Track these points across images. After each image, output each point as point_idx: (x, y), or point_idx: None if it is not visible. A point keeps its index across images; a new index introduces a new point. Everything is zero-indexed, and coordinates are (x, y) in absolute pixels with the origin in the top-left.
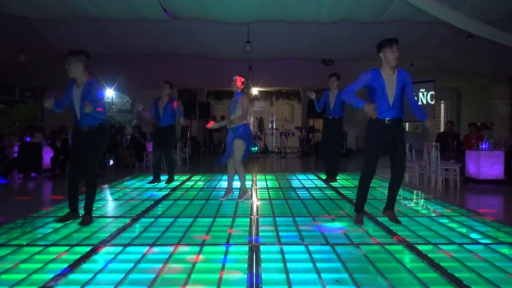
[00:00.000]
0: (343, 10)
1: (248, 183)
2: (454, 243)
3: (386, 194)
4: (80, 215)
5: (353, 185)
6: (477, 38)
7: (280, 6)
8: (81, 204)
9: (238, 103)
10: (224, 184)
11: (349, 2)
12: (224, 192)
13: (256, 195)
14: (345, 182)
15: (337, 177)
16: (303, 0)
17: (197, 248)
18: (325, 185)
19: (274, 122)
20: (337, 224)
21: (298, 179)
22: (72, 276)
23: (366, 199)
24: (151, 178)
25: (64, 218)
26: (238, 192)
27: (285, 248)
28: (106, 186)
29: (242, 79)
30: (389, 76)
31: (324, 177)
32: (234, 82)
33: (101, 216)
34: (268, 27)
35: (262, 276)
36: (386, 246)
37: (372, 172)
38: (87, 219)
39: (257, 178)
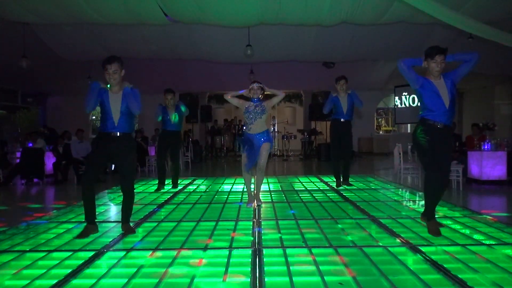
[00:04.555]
0: (343, 13)
1: (251, 186)
2: (457, 244)
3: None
4: (96, 226)
5: (356, 188)
6: (478, 39)
7: (280, 10)
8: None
9: (263, 108)
10: (226, 187)
11: (350, 4)
12: (246, 199)
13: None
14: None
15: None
16: (303, 3)
17: (200, 252)
18: (328, 188)
19: (276, 125)
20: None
21: (300, 182)
22: (75, 282)
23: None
24: (154, 182)
25: (84, 233)
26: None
27: (288, 251)
28: (107, 191)
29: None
30: (438, 81)
31: (330, 180)
32: (259, 88)
33: (104, 221)
34: (269, 30)
35: (265, 280)
36: (389, 248)
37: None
38: (131, 228)
39: None
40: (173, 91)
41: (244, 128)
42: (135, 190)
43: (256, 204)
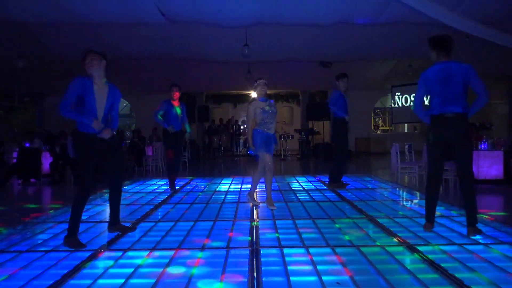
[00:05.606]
0: (340, 13)
1: (249, 186)
2: (454, 243)
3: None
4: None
5: (353, 187)
6: (475, 38)
7: (277, 9)
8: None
9: (275, 107)
10: (224, 187)
11: (347, 5)
12: (255, 198)
13: (256, 198)
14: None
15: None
16: (300, 3)
17: (197, 252)
18: (325, 187)
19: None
20: (337, 226)
21: (297, 181)
22: (72, 282)
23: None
24: (152, 182)
25: (76, 244)
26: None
27: (286, 251)
28: (105, 191)
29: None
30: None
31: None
32: (265, 85)
33: (101, 221)
34: (266, 30)
35: (263, 280)
36: (386, 248)
37: (436, 176)
38: (126, 226)
39: None
40: (178, 85)
41: (262, 127)
42: (132, 190)
43: (271, 207)
